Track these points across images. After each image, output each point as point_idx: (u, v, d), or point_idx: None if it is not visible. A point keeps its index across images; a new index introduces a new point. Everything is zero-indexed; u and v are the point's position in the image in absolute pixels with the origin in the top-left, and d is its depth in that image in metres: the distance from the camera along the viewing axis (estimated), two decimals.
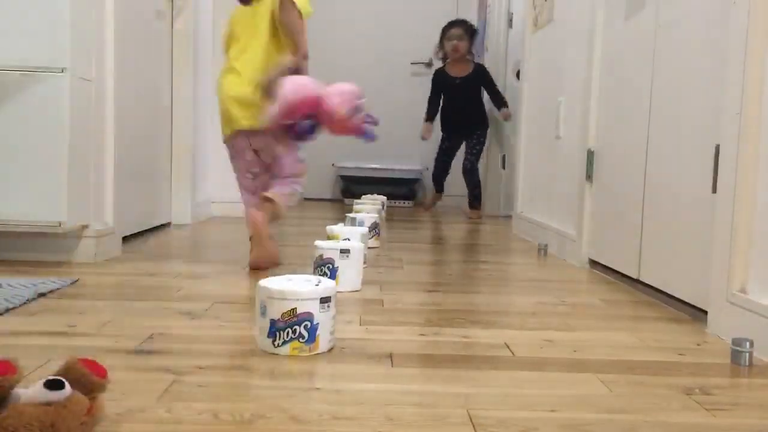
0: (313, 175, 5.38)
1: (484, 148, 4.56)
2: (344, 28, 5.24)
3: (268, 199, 2.06)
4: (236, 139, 2.17)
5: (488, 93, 4.51)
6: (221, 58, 2.26)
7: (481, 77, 4.50)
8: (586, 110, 2.46)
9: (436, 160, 4.66)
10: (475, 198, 4.44)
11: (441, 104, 4.60)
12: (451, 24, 4.55)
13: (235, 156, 2.23)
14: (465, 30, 4.51)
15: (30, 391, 0.81)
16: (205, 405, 0.98)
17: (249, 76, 2.10)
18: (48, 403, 0.79)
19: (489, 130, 4.57)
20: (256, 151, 2.18)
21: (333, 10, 5.20)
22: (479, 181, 4.47)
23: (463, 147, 4.56)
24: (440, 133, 4.62)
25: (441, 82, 4.57)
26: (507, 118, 4.43)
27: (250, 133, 2.13)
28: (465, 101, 4.49)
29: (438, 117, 4.61)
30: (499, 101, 4.47)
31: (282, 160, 2.18)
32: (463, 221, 4.15)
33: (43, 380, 0.81)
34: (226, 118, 2.16)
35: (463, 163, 4.49)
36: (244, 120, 2.11)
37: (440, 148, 4.64)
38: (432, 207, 4.78)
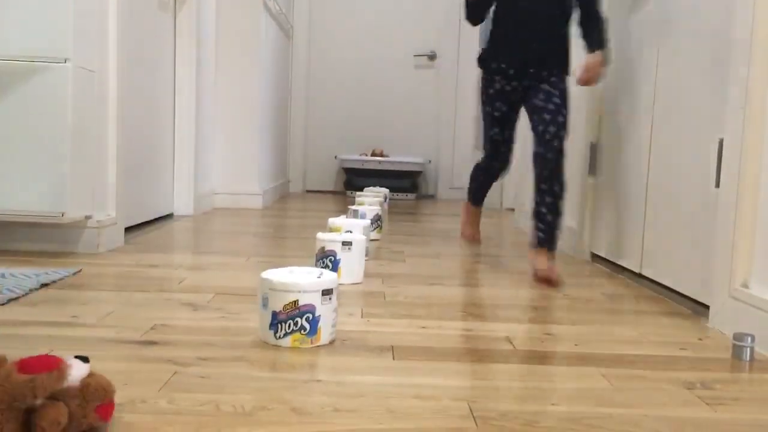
0: (316, 167, 5.42)
1: None
2: (347, 20, 5.22)
3: None
4: None
5: None
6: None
7: None
8: (590, 104, 2.45)
9: None
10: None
11: None
12: None
13: None
14: None
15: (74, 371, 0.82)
16: (206, 396, 0.98)
17: None
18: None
19: None
20: None
21: (336, 2, 5.18)
22: None
23: None
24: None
25: None
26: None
27: None
28: None
29: None
30: None
31: None
32: None
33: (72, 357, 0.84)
34: None
35: None
36: None
37: None
38: None
